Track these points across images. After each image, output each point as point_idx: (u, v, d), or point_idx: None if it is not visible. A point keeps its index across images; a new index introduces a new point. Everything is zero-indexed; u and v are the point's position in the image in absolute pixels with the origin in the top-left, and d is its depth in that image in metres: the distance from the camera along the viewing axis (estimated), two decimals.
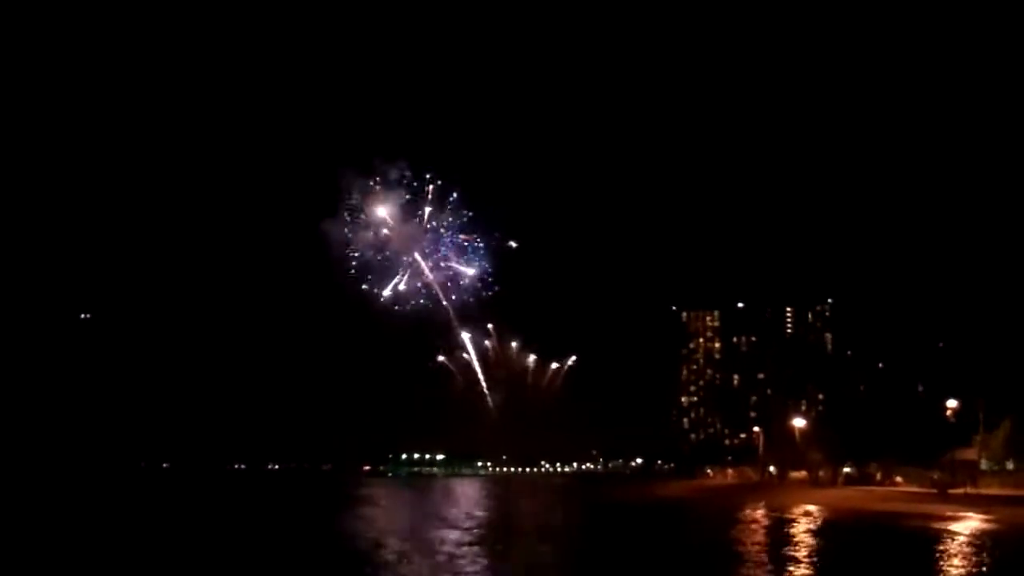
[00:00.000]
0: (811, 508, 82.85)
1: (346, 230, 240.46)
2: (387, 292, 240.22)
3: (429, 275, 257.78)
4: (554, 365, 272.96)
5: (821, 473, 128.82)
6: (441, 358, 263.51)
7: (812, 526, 63.35)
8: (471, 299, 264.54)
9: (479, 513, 78.82)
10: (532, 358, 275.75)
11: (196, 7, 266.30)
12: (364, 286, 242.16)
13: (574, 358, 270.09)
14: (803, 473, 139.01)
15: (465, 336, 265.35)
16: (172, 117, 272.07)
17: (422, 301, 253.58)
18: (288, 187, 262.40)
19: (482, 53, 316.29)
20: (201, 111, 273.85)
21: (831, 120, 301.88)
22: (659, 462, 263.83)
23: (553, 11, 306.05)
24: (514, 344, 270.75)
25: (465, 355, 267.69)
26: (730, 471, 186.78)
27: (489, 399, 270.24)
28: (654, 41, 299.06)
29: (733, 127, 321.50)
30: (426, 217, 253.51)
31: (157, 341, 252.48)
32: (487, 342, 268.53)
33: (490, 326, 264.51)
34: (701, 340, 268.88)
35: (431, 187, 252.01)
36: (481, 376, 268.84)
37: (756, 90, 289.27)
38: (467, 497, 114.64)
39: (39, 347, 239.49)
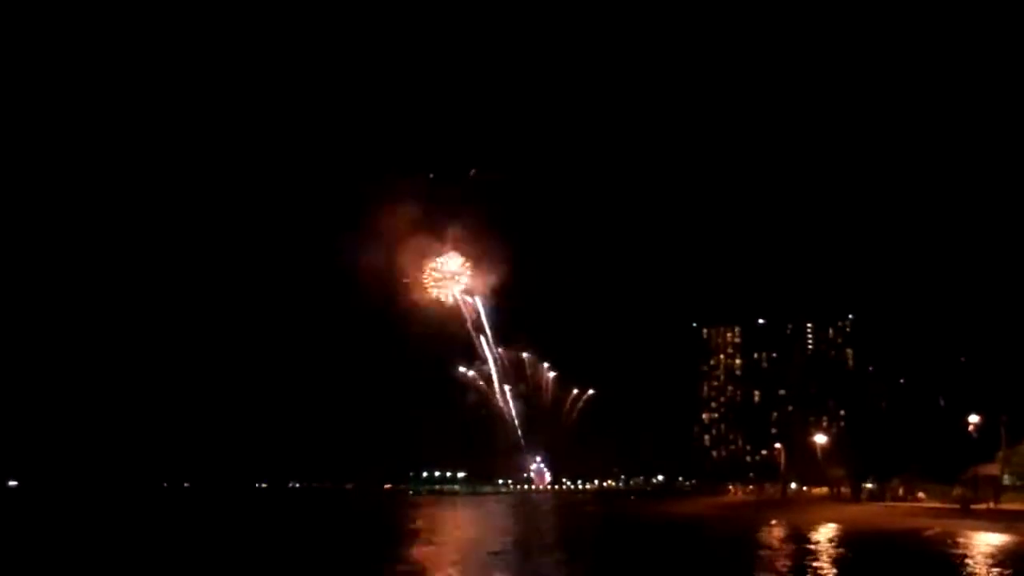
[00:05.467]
0: (833, 525, 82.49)
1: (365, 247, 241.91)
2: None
3: (447, 289, 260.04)
4: (575, 391, 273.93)
5: (843, 489, 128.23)
6: (463, 369, 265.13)
7: (834, 543, 63.15)
8: (489, 312, 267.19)
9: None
10: (552, 374, 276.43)
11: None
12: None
13: (592, 391, 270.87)
14: (825, 489, 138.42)
15: (486, 349, 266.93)
16: (188, 127, 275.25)
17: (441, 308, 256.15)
18: (314, 209, 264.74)
19: (498, 78, 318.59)
20: (219, 121, 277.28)
21: (852, 136, 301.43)
22: (680, 479, 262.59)
23: (574, 28, 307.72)
24: (531, 357, 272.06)
25: (485, 367, 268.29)
26: (751, 487, 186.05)
27: (511, 411, 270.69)
28: (673, 57, 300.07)
29: (753, 144, 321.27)
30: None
31: (180, 361, 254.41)
32: (501, 353, 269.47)
33: (499, 349, 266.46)
34: (722, 356, 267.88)
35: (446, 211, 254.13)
36: (505, 389, 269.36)
37: (776, 106, 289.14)
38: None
39: (58, 363, 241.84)
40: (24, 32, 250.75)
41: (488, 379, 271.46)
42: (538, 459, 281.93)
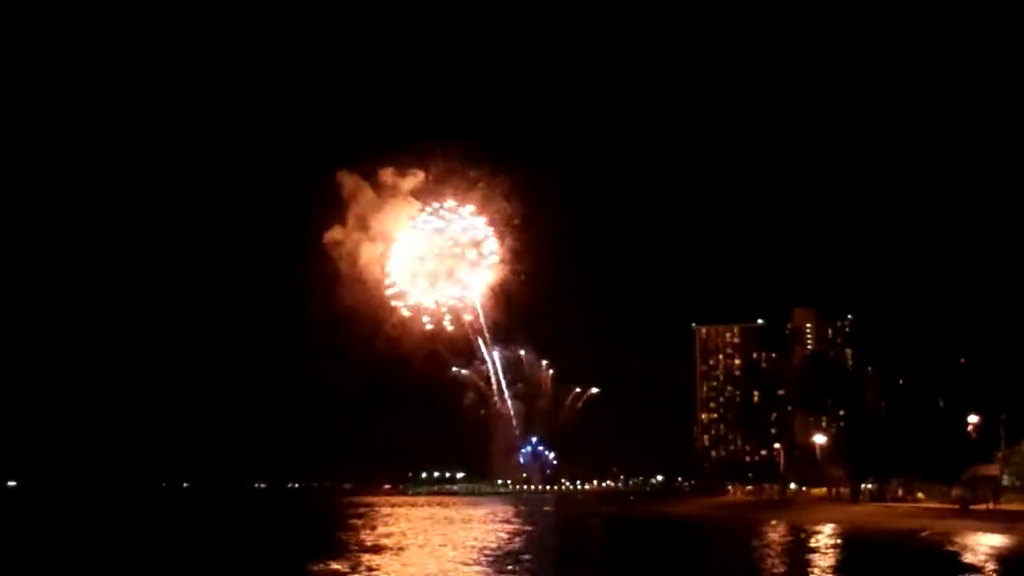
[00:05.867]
0: (832, 525, 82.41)
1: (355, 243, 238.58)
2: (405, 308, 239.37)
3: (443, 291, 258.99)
4: (577, 389, 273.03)
5: (842, 489, 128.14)
6: (460, 370, 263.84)
7: (833, 544, 63.10)
8: (486, 312, 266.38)
9: None
10: (550, 372, 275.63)
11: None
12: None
13: (596, 389, 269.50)
14: (824, 489, 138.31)
15: (484, 349, 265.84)
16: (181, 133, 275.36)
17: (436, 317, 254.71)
18: (311, 209, 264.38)
19: (496, 74, 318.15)
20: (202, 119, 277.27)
21: (852, 137, 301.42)
22: (680, 479, 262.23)
23: (574, 25, 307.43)
24: (529, 357, 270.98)
25: (483, 366, 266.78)
26: (751, 488, 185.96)
27: (509, 411, 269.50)
28: (671, 55, 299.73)
29: (753, 145, 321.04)
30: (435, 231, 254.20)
31: (179, 362, 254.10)
32: (499, 353, 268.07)
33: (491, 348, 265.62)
34: (721, 356, 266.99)
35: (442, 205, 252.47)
36: (504, 389, 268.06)
37: (775, 105, 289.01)
38: None
39: (57, 364, 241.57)
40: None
41: (486, 379, 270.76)
42: (536, 459, 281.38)
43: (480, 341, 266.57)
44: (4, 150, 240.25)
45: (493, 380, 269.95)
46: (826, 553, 55.84)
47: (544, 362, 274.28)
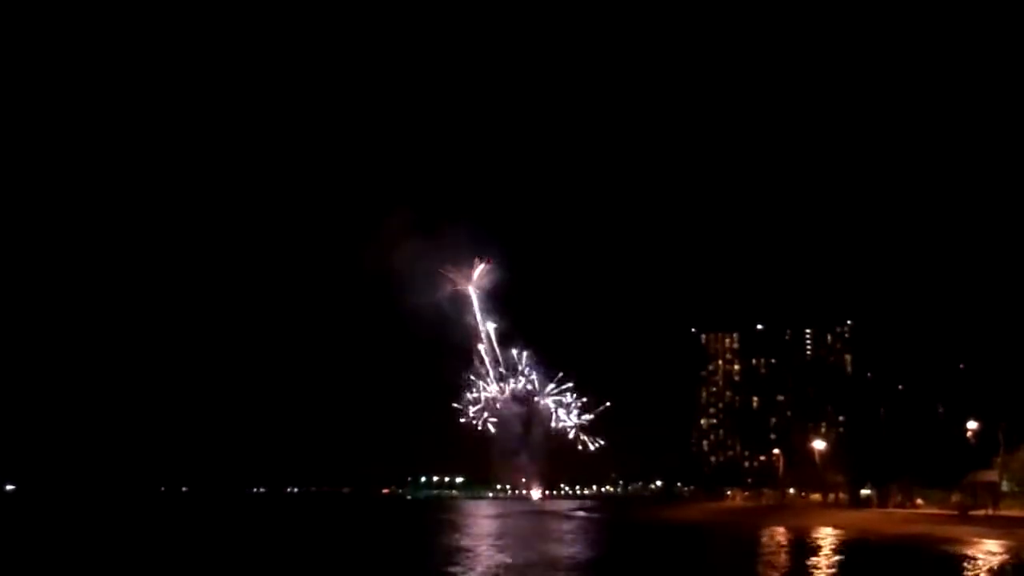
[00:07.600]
0: (830, 530, 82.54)
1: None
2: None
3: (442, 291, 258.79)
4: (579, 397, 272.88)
5: (841, 495, 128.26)
6: (461, 373, 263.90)
7: (831, 548, 63.24)
8: (488, 316, 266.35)
9: None
10: (550, 376, 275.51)
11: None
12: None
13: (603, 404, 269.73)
14: (822, 495, 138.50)
15: (484, 354, 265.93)
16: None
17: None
18: (311, 215, 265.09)
19: (499, 82, 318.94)
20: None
21: (851, 144, 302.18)
22: (679, 484, 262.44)
23: (574, 32, 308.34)
24: (530, 361, 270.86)
25: (484, 370, 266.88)
26: (749, 493, 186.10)
27: (509, 414, 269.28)
28: (674, 66, 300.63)
29: (753, 152, 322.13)
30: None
31: (178, 366, 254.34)
32: (500, 357, 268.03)
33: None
34: (720, 362, 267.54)
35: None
36: (504, 393, 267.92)
37: (776, 114, 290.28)
38: None
39: (56, 367, 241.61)
40: (45, 34, 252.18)
41: (486, 382, 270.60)
42: (535, 463, 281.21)
43: (480, 345, 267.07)
44: (12, 152, 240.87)
45: (494, 384, 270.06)
46: (827, 556, 55.96)
47: (544, 366, 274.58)
